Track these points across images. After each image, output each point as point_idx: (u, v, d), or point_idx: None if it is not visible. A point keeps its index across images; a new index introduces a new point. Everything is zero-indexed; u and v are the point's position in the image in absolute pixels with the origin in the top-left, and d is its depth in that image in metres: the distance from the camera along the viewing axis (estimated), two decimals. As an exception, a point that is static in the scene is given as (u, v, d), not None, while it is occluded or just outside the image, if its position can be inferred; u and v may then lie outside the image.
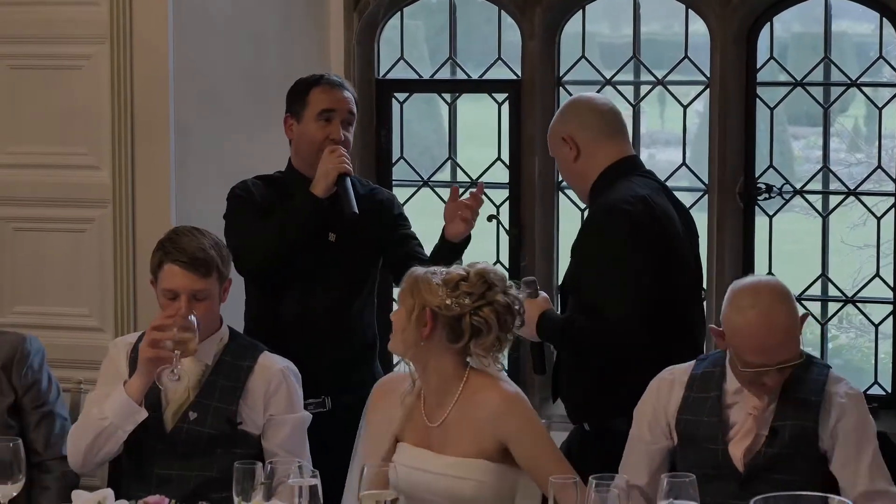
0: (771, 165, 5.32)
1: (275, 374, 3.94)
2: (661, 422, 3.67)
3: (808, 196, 5.34)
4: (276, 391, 3.92)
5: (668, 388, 3.69)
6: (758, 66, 5.30)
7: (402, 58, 5.68)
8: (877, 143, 5.32)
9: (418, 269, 3.64)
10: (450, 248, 4.20)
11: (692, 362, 3.74)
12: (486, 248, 5.44)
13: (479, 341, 3.56)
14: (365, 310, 4.42)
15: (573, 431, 4.18)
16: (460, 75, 5.65)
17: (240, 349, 3.97)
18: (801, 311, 3.62)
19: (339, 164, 4.21)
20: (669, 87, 5.44)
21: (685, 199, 4.81)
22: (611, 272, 3.95)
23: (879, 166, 5.29)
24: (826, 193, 5.34)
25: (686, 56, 5.38)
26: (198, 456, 3.85)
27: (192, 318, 3.79)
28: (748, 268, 5.25)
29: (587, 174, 4.15)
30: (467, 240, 4.23)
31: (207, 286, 3.92)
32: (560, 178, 5.35)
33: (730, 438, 3.58)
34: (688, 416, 3.63)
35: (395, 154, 5.67)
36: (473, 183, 5.58)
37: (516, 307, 3.61)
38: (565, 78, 5.50)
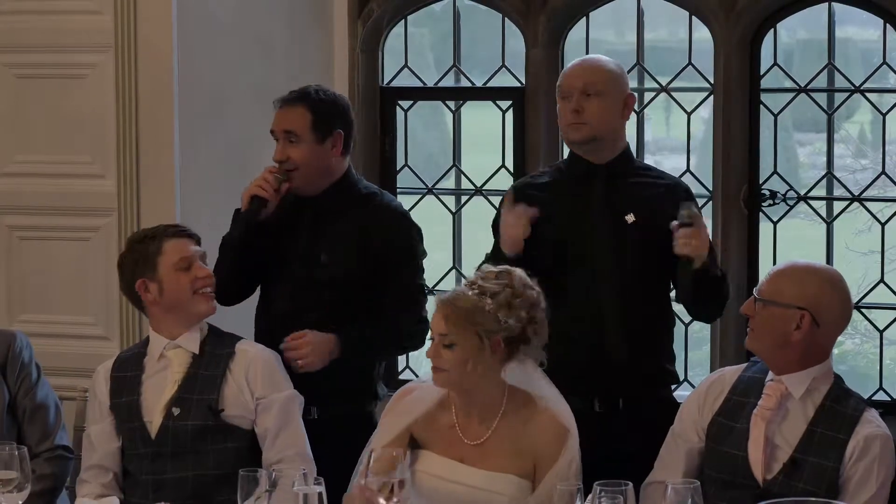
0: (775, 172, 5.32)
1: (253, 356, 3.95)
2: (706, 421, 3.68)
3: (812, 202, 5.34)
4: (256, 372, 3.92)
5: (718, 389, 3.70)
6: (762, 73, 5.31)
7: (406, 65, 5.68)
8: (881, 149, 5.32)
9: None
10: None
11: (743, 364, 3.76)
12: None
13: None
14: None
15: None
16: (464, 83, 5.65)
17: (219, 339, 4.00)
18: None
19: (253, 186, 4.19)
20: (674, 93, 5.44)
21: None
22: None
23: (884, 172, 5.29)
24: (830, 199, 5.34)
25: (690, 63, 5.38)
26: (188, 454, 3.84)
27: None
28: (753, 275, 5.24)
29: (623, 136, 4.18)
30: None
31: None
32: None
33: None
34: (722, 419, 3.64)
35: (400, 161, 5.68)
36: (478, 190, 5.59)
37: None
38: (569, 85, 5.49)
